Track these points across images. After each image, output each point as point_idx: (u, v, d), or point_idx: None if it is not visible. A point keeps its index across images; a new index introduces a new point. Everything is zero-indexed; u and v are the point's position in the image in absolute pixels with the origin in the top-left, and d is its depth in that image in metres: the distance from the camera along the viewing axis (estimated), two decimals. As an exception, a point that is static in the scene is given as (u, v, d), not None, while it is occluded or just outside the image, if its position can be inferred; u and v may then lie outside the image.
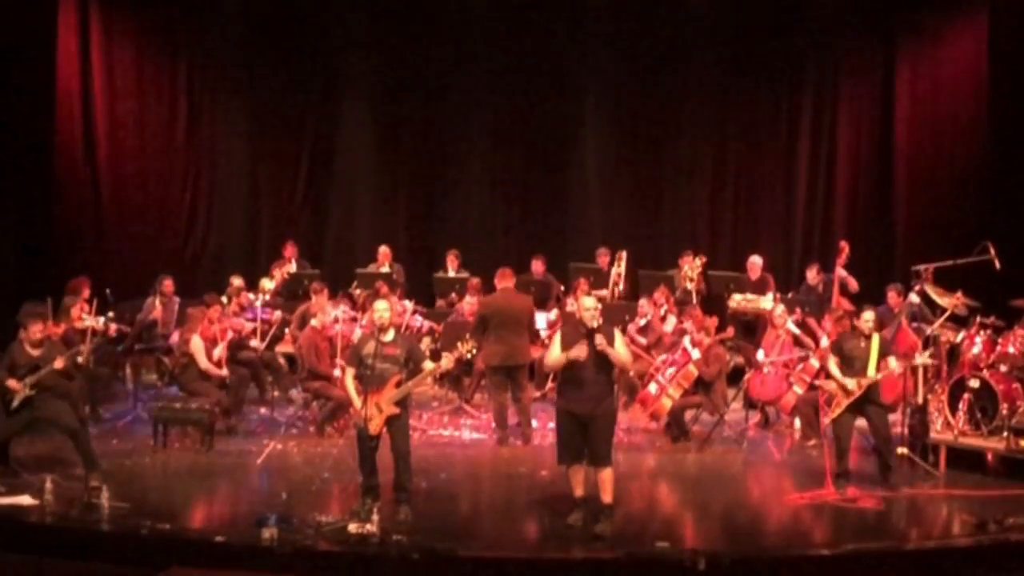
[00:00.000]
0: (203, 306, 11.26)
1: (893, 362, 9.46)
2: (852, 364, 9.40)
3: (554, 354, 8.38)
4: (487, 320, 10.92)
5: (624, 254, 13.90)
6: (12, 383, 8.94)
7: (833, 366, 9.47)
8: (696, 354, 10.85)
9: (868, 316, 9.57)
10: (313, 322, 11.30)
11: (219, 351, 10.99)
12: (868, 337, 9.48)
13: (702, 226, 15.79)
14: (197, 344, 10.91)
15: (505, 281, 11.24)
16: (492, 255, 15.36)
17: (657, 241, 15.78)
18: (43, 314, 9.52)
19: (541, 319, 12.44)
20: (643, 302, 12.60)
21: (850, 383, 9.28)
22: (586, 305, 8.31)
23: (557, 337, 8.51)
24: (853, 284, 13.02)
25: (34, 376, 8.94)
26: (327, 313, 11.32)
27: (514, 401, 10.98)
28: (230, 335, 11.25)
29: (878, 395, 9.51)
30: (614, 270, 13.77)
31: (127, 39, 15.10)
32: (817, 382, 10.12)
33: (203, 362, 10.88)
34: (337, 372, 10.66)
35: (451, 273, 14.23)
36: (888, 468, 9.42)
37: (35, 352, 9.06)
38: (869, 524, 8.65)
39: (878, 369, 9.37)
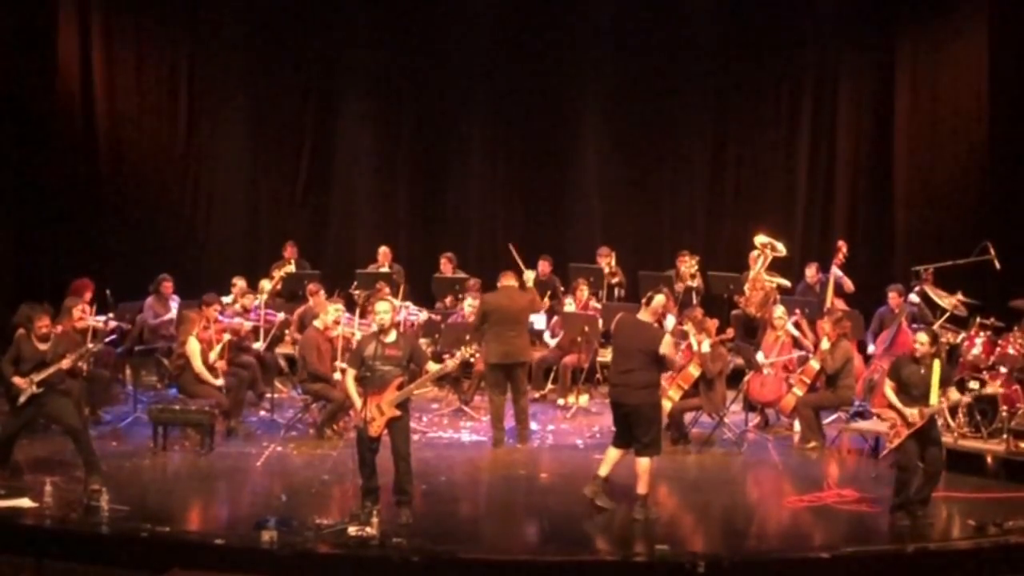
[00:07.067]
0: (203, 306, 11.23)
1: (955, 393, 8.84)
2: (909, 391, 8.57)
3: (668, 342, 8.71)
4: (487, 316, 10.89)
5: (606, 249, 14.05)
6: (19, 380, 8.91)
7: (891, 393, 8.60)
8: (706, 347, 10.79)
9: (922, 339, 8.65)
10: (316, 323, 11.27)
11: (215, 355, 10.91)
12: (924, 362, 8.59)
13: (702, 226, 15.79)
14: (193, 347, 10.83)
15: (508, 279, 11.21)
16: (492, 255, 15.38)
17: (657, 241, 15.79)
18: (48, 310, 9.48)
19: (538, 320, 12.43)
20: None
21: (909, 412, 8.48)
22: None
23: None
24: (848, 285, 13.00)
25: (42, 374, 8.91)
26: (329, 314, 11.29)
27: (512, 403, 10.93)
28: (227, 338, 11.18)
29: (937, 429, 8.80)
30: (605, 269, 13.80)
31: (127, 39, 15.09)
32: (875, 410, 9.15)
33: (198, 365, 10.78)
34: (337, 375, 10.59)
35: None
36: (925, 503, 8.64)
37: (43, 347, 9.01)
38: (868, 527, 8.66)
39: (941, 400, 8.59)
